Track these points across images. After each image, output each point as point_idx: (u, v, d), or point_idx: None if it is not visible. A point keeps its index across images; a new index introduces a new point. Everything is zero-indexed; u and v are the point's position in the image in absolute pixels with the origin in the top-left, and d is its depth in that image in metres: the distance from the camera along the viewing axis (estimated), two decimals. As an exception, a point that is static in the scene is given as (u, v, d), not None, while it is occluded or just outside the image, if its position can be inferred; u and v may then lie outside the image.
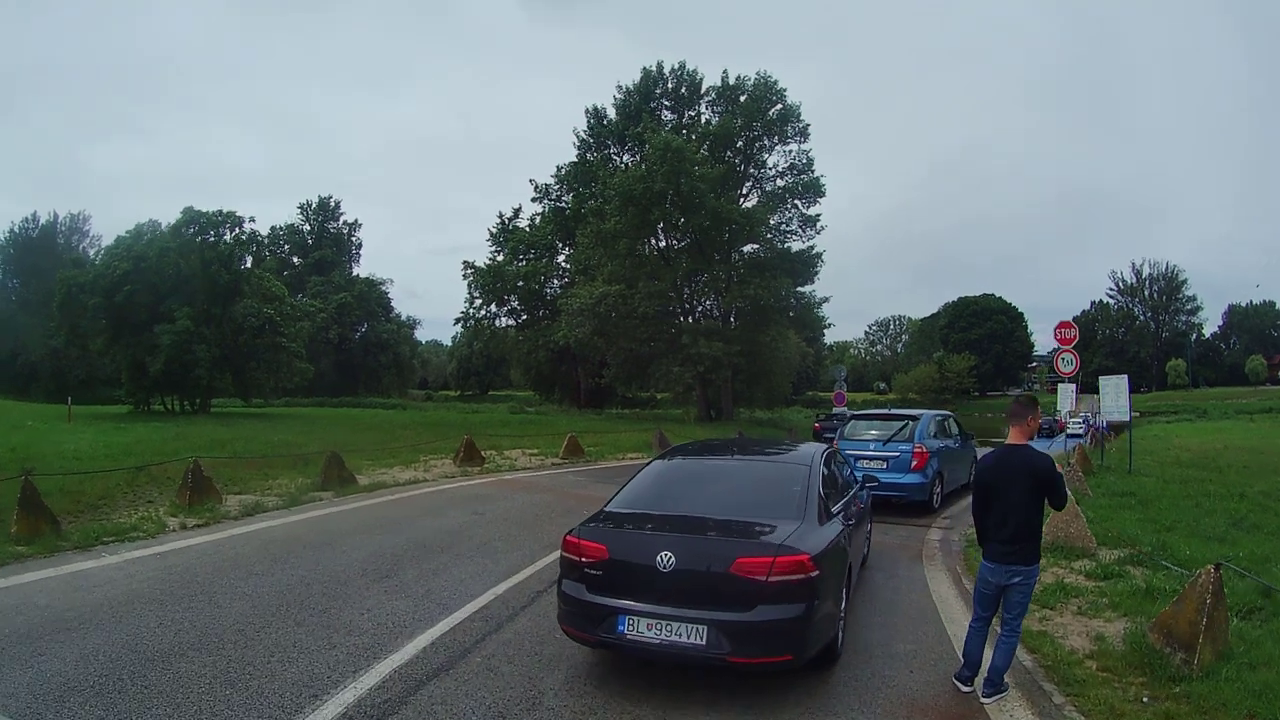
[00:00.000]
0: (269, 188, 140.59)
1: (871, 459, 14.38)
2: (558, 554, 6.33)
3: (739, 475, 6.95)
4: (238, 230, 43.35)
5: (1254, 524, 11.80)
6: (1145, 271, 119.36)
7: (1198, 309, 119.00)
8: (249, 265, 45.15)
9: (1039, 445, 29.39)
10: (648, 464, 7.18)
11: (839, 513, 6.72)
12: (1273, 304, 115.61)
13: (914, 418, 15.47)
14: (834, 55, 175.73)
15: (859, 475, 9.69)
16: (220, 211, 42.86)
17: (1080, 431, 41.91)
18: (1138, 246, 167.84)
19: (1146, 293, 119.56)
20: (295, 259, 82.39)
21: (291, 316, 46.36)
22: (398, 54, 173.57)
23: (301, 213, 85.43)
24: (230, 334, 41.61)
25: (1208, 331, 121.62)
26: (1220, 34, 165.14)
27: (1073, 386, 24.96)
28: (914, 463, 14.37)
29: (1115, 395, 19.31)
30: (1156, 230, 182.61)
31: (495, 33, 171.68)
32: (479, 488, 15.61)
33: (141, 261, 38.73)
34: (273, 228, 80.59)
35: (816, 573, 5.24)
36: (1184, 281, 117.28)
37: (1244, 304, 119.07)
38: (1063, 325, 23.28)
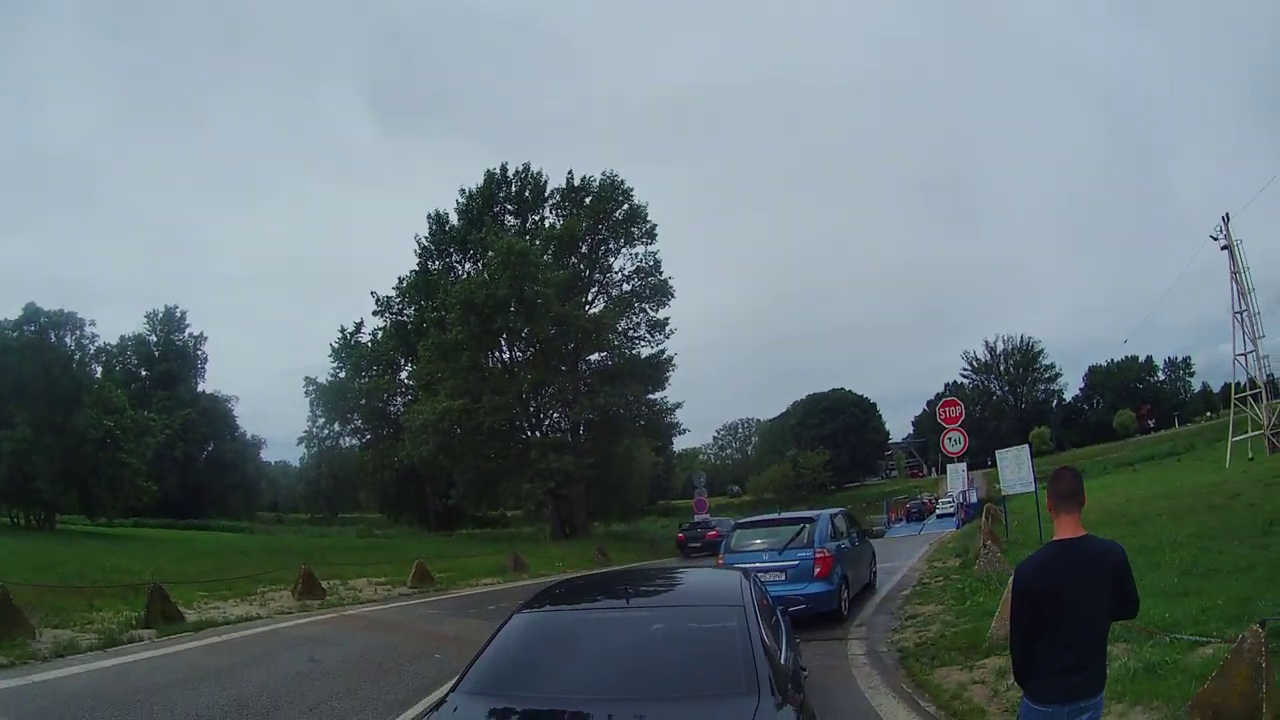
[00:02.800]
0: (117, 296, 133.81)
1: (767, 570, 12.39)
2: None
3: (644, 633, 4.66)
4: (79, 333, 42.24)
5: (1209, 568, 10.85)
6: (999, 347, 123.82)
7: (1057, 375, 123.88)
8: (98, 374, 44.07)
9: (907, 529, 28.10)
10: (508, 619, 4.81)
11: (791, 664, 4.78)
12: (1135, 358, 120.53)
13: (810, 520, 13.88)
14: (684, 163, 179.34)
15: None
16: (61, 311, 41.69)
17: (950, 511, 41.54)
18: (991, 329, 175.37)
19: (1002, 367, 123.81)
20: (142, 371, 77.78)
21: (132, 431, 44.00)
22: (253, 167, 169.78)
23: (148, 322, 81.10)
24: (73, 446, 39.40)
25: (1069, 395, 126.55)
26: (1066, 117, 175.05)
27: (963, 466, 23.95)
28: (818, 569, 12.70)
29: (1015, 467, 18.04)
30: (1014, 311, 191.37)
31: (348, 146, 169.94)
32: (318, 626, 13.78)
33: None
34: (121, 337, 76.61)
35: None
36: (1040, 351, 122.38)
37: (1105, 363, 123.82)
38: (947, 403, 22.40)
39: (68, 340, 41.63)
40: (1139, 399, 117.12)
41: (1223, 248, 40.11)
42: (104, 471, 41.29)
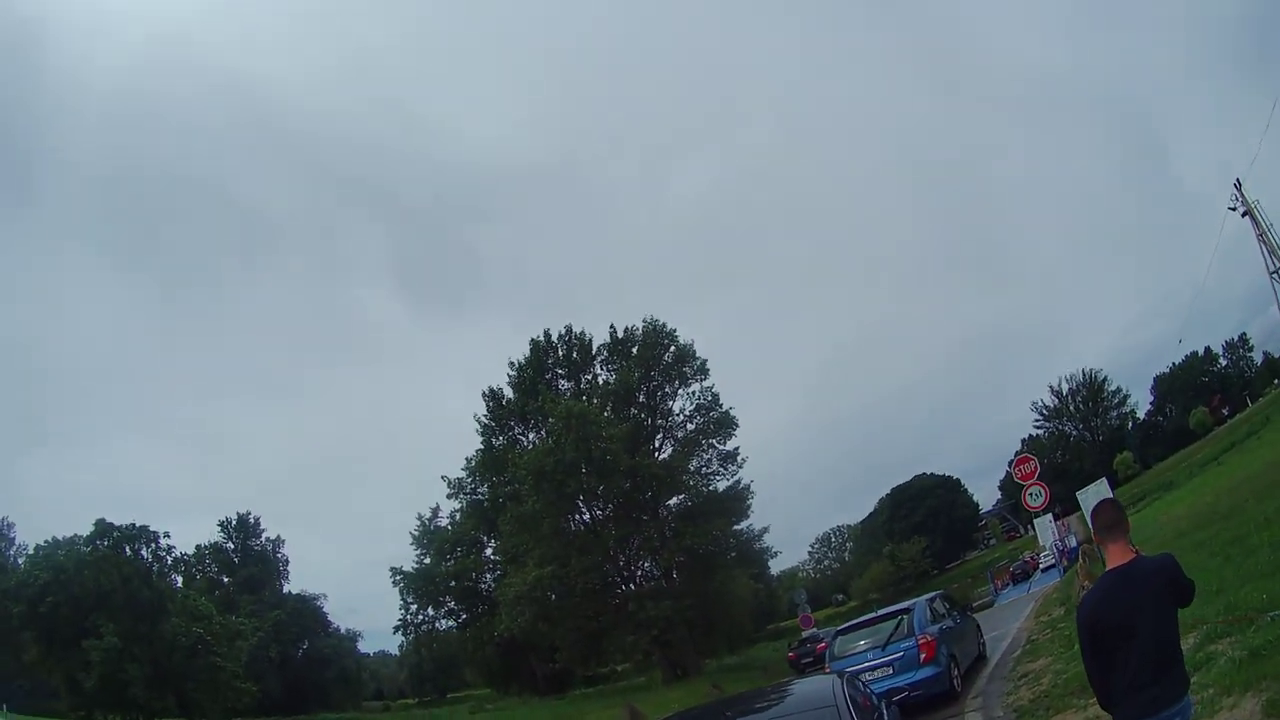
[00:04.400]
0: (185, 505, 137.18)
1: (874, 667, 12.89)
2: None
3: None
4: (154, 545, 43.89)
5: None
6: (1064, 388, 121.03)
7: (1126, 398, 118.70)
8: (179, 584, 45.84)
9: (1015, 592, 27.95)
10: None
11: None
12: (1195, 354, 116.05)
13: (906, 610, 14.25)
14: (720, 290, 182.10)
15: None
16: (133, 525, 43.36)
17: (1053, 563, 40.71)
18: (1053, 372, 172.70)
19: (1071, 407, 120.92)
20: (225, 578, 79.05)
21: (223, 635, 45.22)
22: (294, 366, 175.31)
23: (222, 529, 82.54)
24: (163, 653, 40.62)
25: (1142, 413, 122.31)
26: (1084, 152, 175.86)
27: (1049, 517, 23.81)
28: (923, 655, 12.92)
29: (1098, 502, 17.78)
30: (1071, 351, 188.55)
31: (390, 336, 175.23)
32: None
33: (61, 573, 38.49)
34: (198, 546, 77.36)
35: None
36: (1105, 380, 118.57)
37: (1168, 369, 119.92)
38: (1021, 461, 22.64)
39: (143, 553, 43.10)
40: (1209, 392, 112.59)
41: (1243, 214, 39.60)
42: (199, 675, 42.16)
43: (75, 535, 42.94)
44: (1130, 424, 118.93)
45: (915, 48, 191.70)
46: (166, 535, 44.57)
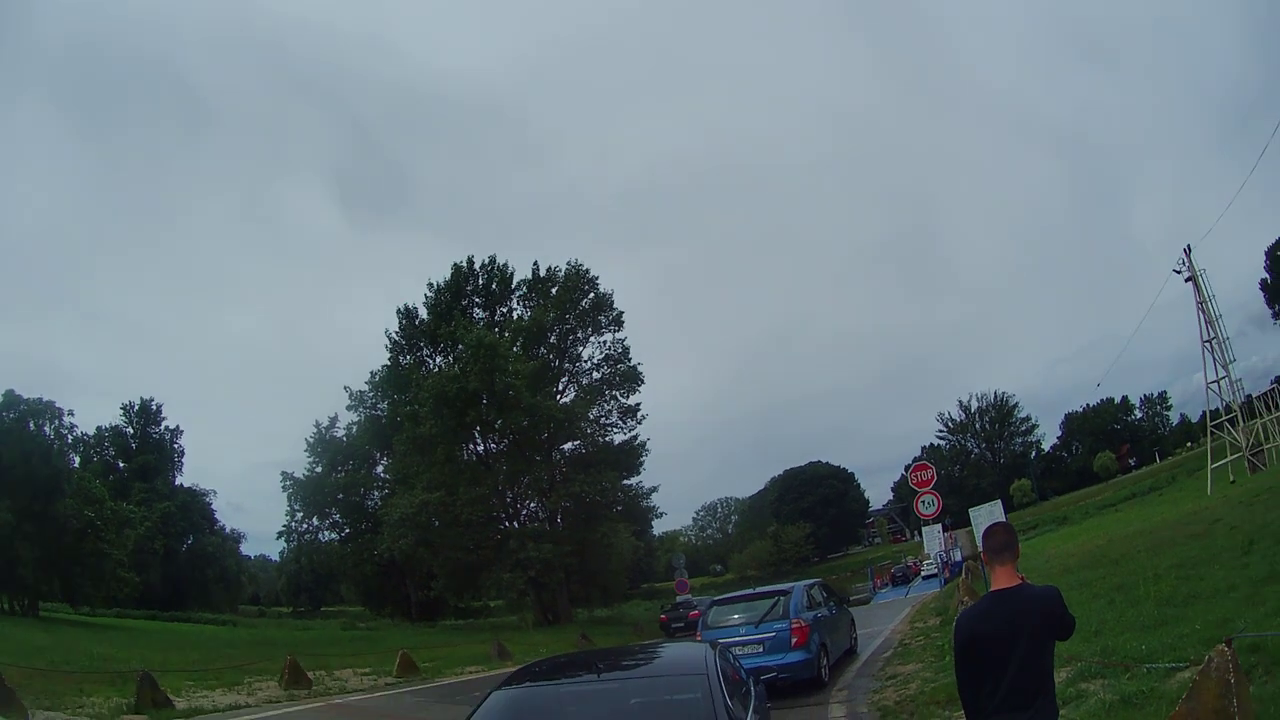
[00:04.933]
0: (91, 387, 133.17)
1: (745, 644, 12.76)
2: None
3: (615, 702, 4.99)
4: (58, 422, 42.44)
5: (1189, 595, 10.88)
6: (974, 405, 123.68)
7: (1033, 427, 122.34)
8: (76, 464, 44.01)
9: (893, 594, 28.32)
10: (487, 696, 5.07)
11: None
12: (1111, 400, 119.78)
13: (784, 592, 14.16)
14: (647, 247, 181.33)
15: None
16: (40, 400, 42.22)
17: (934, 572, 41.65)
18: (964, 388, 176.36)
19: (978, 425, 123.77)
20: (120, 463, 77.18)
21: (113, 522, 44.30)
22: (220, 259, 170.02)
23: (124, 414, 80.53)
24: (53, 534, 39.46)
25: (1047, 445, 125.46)
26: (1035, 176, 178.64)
27: (938, 527, 24.09)
28: (795, 639, 12.90)
29: (990, 523, 18.13)
30: (986, 370, 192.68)
31: (315, 239, 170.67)
32: (305, 715, 13.74)
33: None
34: (98, 428, 75.59)
35: None
36: (1015, 405, 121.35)
37: (1081, 409, 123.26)
38: (918, 467, 22.75)
39: (46, 429, 41.78)
40: (1118, 440, 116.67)
41: (1186, 280, 40.33)
42: (86, 561, 41.33)
43: None
44: (1034, 453, 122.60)
45: (887, 44, 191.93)
46: (70, 414, 43.07)
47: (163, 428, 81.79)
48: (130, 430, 79.78)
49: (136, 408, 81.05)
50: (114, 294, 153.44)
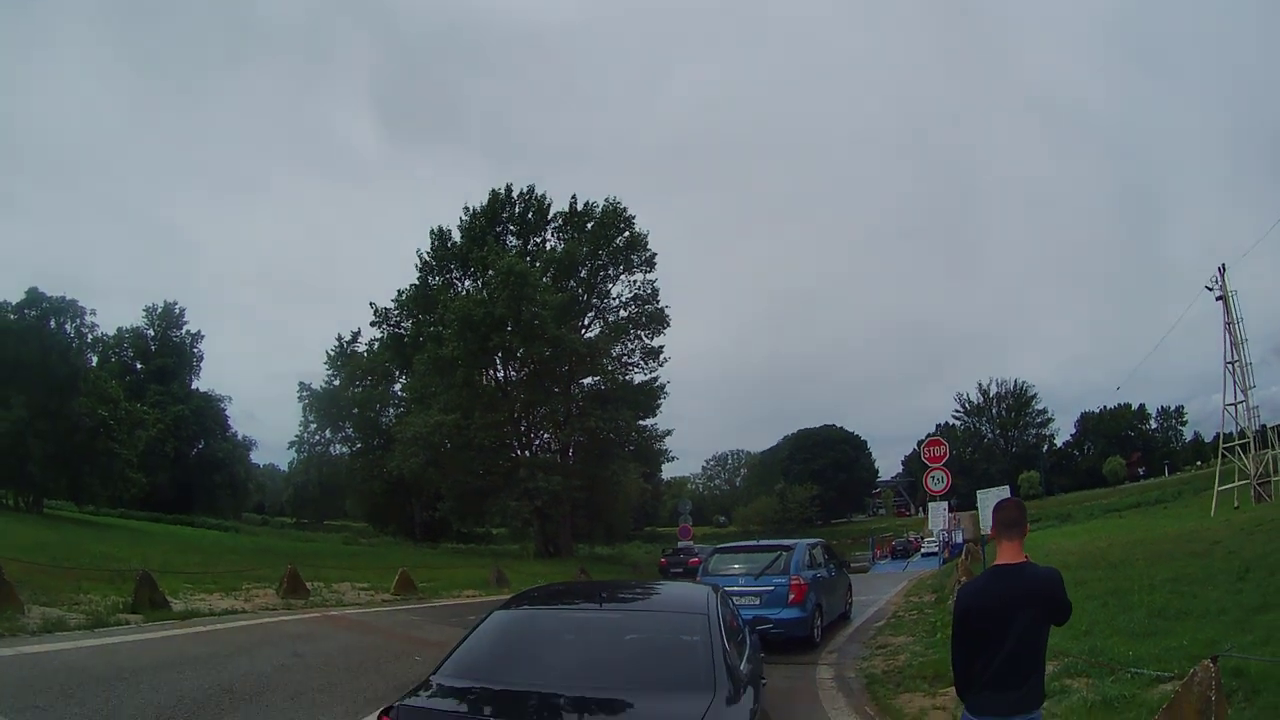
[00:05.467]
0: (117, 289, 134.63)
1: (743, 594, 12.57)
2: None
3: (614, 632, 4.97)
4: (79, 321, 43.01)
5: (1181, 610, 10.86)
6: (992, 390, 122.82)
7: (1049, 420, 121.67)
8: (93, 364, 44.41)
9: (891, 566, 28.11)
10: (487, 616, 5.11)
11: (749, 675, 4.91)
12: (1128, 405, 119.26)
13: (787, 548, 14.06)
14: (686, 195, 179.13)
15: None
16: (63, 298, 42.63)
17: (934, 550, 41.70)
18: (985, 372, 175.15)
19: (994, 410, 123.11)
20: (138, 364, 77.84)
21: (126, 422, 44.82)
22: (256, 167, 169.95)
23: (146, 317, 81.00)
24: (65, 432, 39.91)
25: (1060, 441, 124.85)
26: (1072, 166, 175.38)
27: (944, 504, 23.96)
28: (792, 596, 12.86)
29: (1003, 498, 18.07)
30: (1008, 357, 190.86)
31: (353, 154, 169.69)
32: (302, 624, 13.71)
33: None
34: (119, 329, 76.07)
35: None
36: (1033, 396, 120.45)
37: (1097, 410, 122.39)
38: (932, 443, 22.48)
39: (67, 327, 42.18)
40: (1130, 446, 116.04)
41: (1218, 298, 39.95)
42: (96, 460, 41.84)
43: (4, 302, 42.14)
44: (1046, 447, 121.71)
45: (949, 22, 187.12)
46: (93, 313, 43.65)
47: (184, 332, 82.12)
48: (151, 332, 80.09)
49: (159, 310, 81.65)
50: (145, 198, 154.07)
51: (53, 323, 41.65)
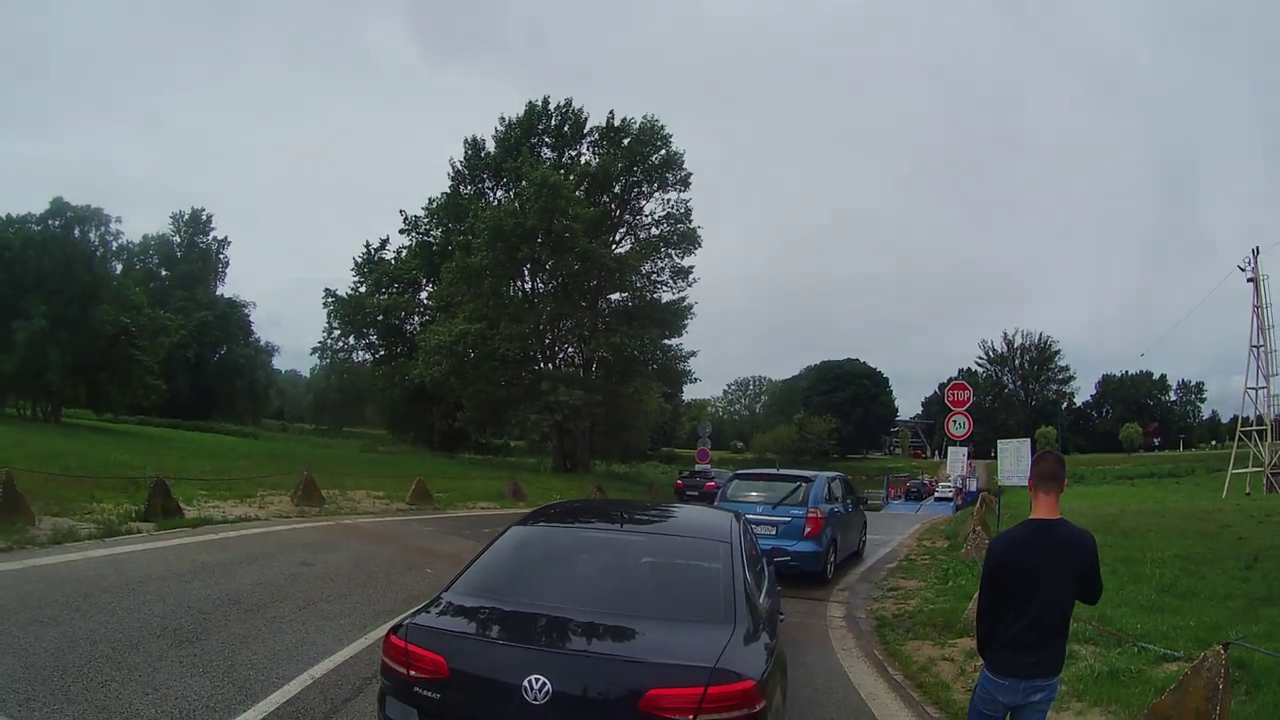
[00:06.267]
0: (146, 196, 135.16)
1: (759, 523, 12.43)
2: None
3: (633, 555, 4.87)
4: (104, 229, 42.94)
5: (1188, 590, 10.86)
6: (1017, 341, 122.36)
7: (1070, 378, 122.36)
8: (118, 272, 44.37)
9: (904, 507, 28.11)
10: (503, 532, 5.00)
11: (768, 610, 4.82)
12: (1149, 374, 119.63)
13: (807, 479, 13.79)
14: (724, 117, 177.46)
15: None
16: (88, 207, 42.43)
17: (948, 496, 41.88)
18: (1011, 322, 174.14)
19: (1017, 362, 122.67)
20: (163, 271, 78.25)
21: (148, 329, 44.84)
22: (289, 75, 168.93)
23: (173, 223, 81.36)
24: (87, 340, 39.97)
25: (1079, 401, 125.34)
26: (1111, 124, 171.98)
27: (964, 450, 23.84)
28: (808, 529, 12.67)
29: (1015, 460, 17.50)
30: (1034, 310, 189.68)
31: (389, 63, 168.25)
32: (313, 532, 13.75)
33: (6, 250, 37.95)
34: (144, 236, 76.93)
35: (763, 705, 3.47)
36: (1057, 352, 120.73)
37: (1118, 374, 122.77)
38: (956, 386, 22.17)
39: (91, 236, 42.18)
40: (1148, 415, 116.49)
41: (1249, 280, 39.90)
42: (115, 367, 42.00)
43: (29, 213, 41.75)
44: (1065, 404, 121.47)
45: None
46: (118, 220, 43.64)
47: (210, 238, 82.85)
48: (177, 239, 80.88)
49: (186, 216, 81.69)
50: (175, 105, 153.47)
51: (77, 231, 41.60)
